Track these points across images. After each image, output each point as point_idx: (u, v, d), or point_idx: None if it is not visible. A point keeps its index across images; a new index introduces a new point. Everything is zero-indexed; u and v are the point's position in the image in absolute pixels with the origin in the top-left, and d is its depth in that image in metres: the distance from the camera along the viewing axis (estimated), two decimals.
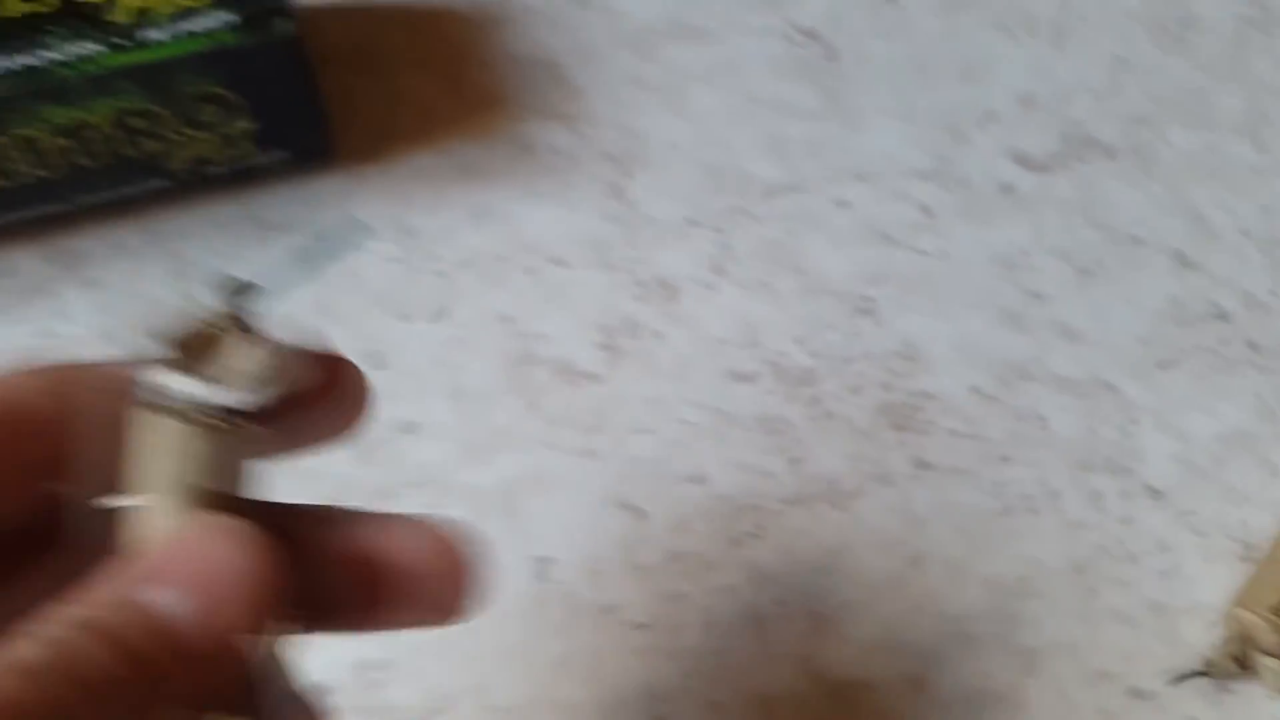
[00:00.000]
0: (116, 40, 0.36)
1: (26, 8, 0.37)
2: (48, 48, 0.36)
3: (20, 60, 0.36)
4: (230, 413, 0.20)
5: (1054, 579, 0.39)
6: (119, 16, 0.37)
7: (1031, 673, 0.37)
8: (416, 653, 0.37)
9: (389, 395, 0.39)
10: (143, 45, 0.36)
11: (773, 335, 0.42)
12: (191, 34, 0.36)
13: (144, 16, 0.37)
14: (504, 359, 0.41)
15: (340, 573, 0.23)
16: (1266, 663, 0.36)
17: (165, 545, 0.21)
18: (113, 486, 0.22)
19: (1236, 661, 0.36)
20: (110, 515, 0.22)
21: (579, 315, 0.42)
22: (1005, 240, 0.44)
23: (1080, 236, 0.44)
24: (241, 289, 0.21)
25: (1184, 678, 0.37)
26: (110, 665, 0.19)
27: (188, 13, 0.37)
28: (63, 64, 0.36)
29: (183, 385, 0.20)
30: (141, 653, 0.19)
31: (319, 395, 0.23)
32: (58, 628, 0.19)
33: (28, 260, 0.42)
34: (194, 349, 0.21)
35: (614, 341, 0.42)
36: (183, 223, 0.43)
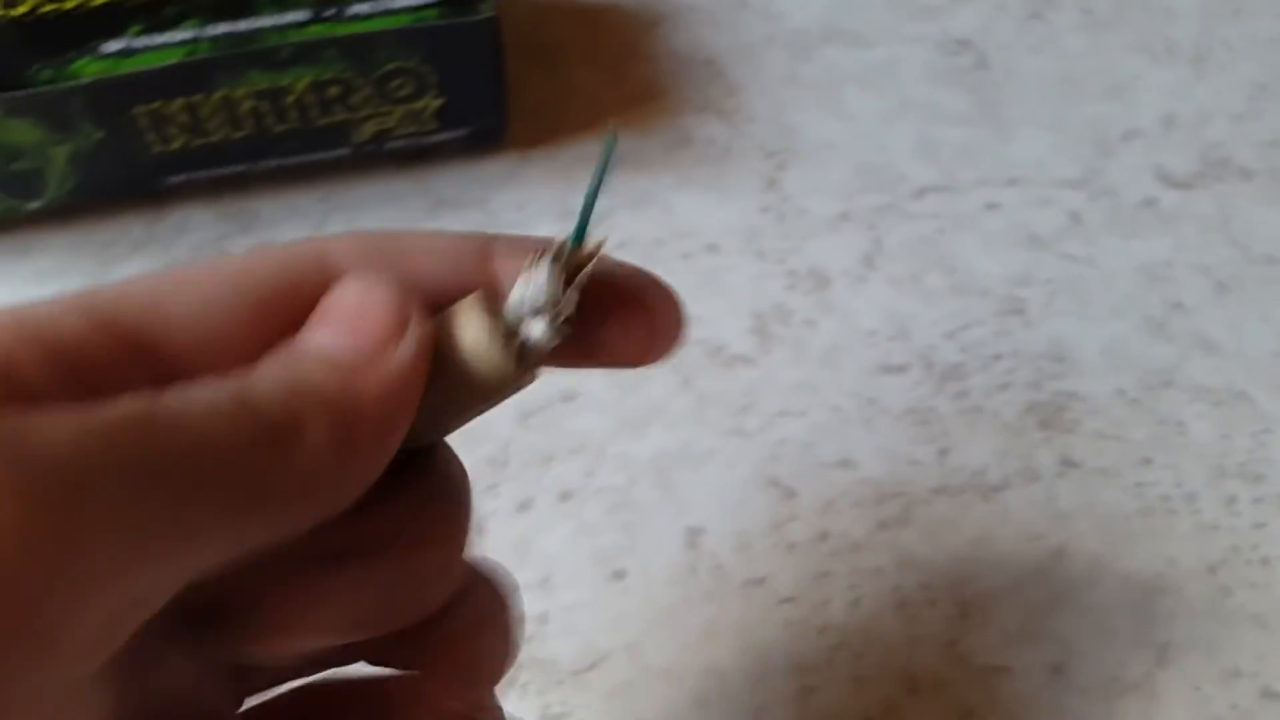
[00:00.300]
0: (324, 11, 0.38)
1: None
2: (258, 14, 0.38)
3: (231, 25, 0.38)
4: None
5: (1189, 578, 0.40)
6: None
7: (1165, 666, 0.38)
8: (573, 610, 0.38)
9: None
10: (349, 18, 0.38)
11: (922, 329, 0.43)
12: (395, 10, 0.38)
13: None
14: None
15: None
16: None
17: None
18: None
19: None
20: None
21: (732, 300, 0.43)
22: (1148, 251, 0.45)
23: (1219, 253, 0.45)
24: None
25: None
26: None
27: None
28: (271, 30, 0.38)
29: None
30: (314, 382, 0.19)
31: (623, 319, 0.23)
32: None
33: (203, 218, 0.44)
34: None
35: (765, 327, 0.43)
36: (358, 192, 0.45)
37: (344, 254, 0.21)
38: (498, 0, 0.39)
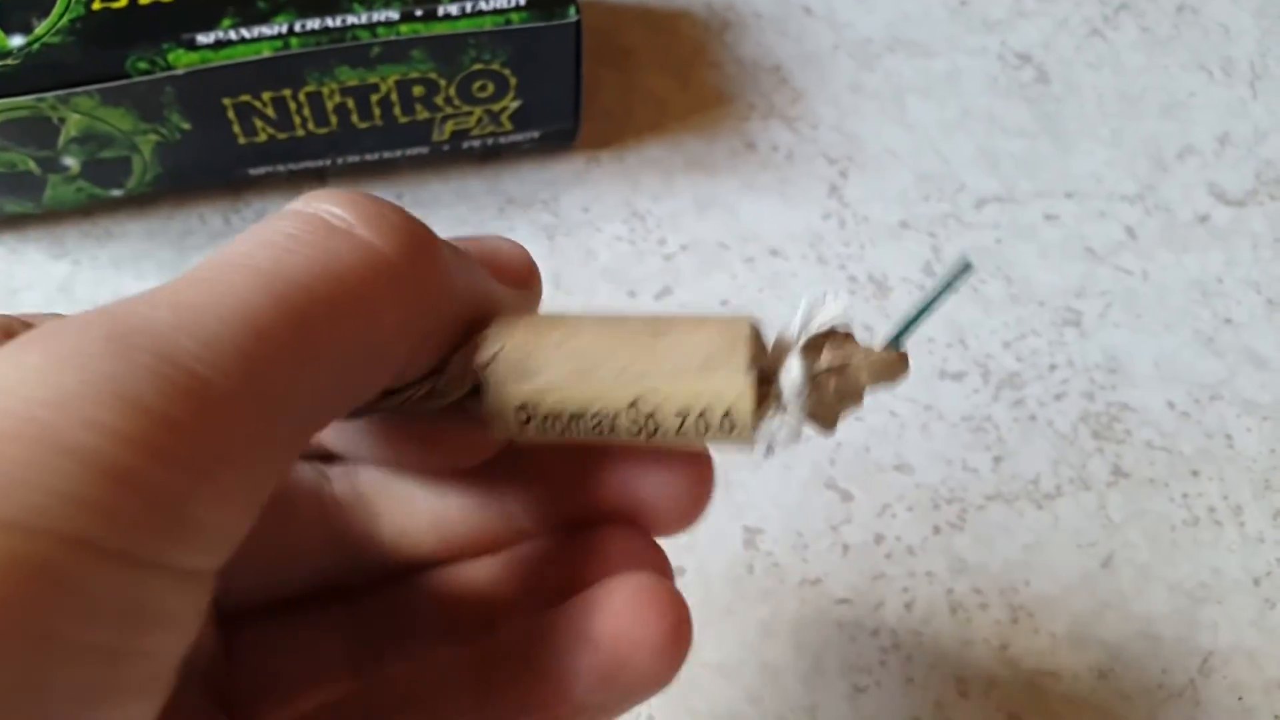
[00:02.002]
0: (415, 10, 0.39)
1: None
2: (349, 11, 0.39)
3: (322, 21, 0.39)
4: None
5: (1233, 589, 0.41)
6: None
7: (1208, 675, 0.39)
8: None
9: None
10: (439, 17, 0.39)
11: (980, 338, 0.44)
12: (484, 11, 0.39)
13: None
14: None
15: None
16: None
17: None
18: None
19: None
20: None
21: (793, 304, 0.44)
22: (1201, 267, 0.46)
23: (1270, 270, 0.46)
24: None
25: None
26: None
27: None
28: (362, 27, 0.39)
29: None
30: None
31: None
32: None
33: (280, 210, 0.45)
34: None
35: None
36: (431, 190, 0.46)
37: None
38: (579, 5, 0.40)
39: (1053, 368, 0.44)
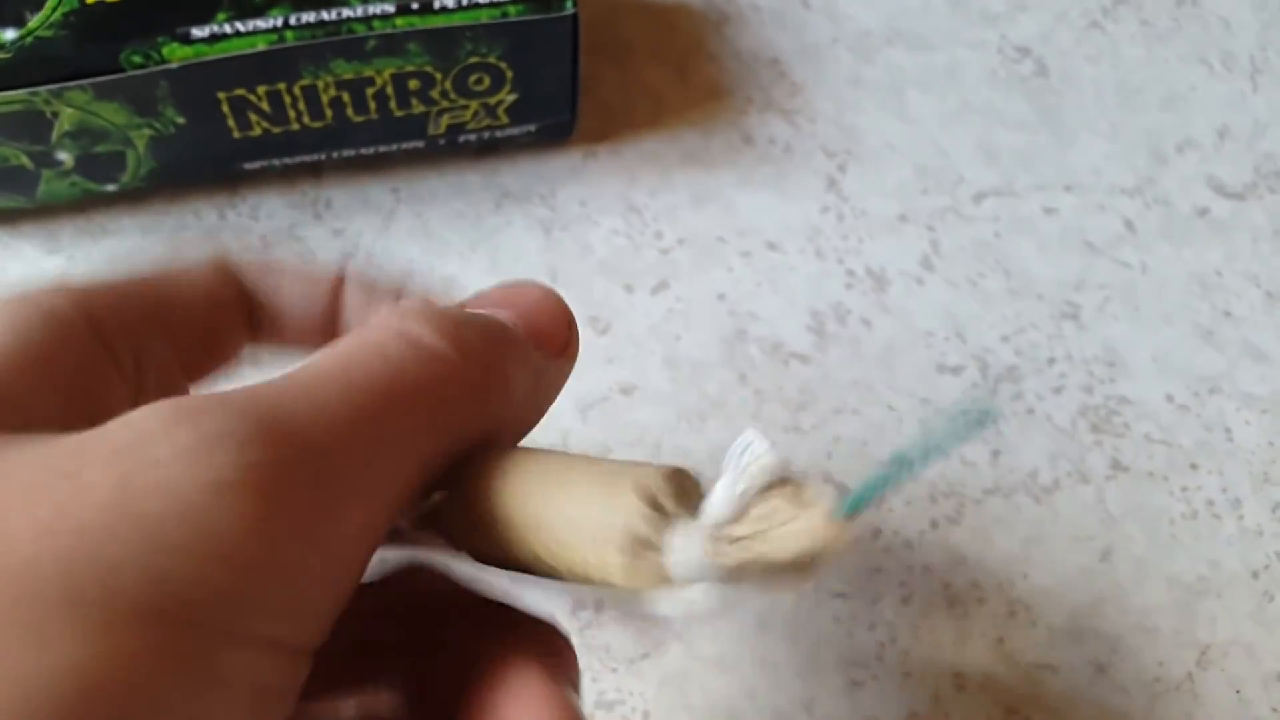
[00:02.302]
0: (411, 3, 0.39)
1: None
2: (345, 4, 0.39)
3: (318, 14, 0.39)
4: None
5: (1232, 582, 0.40)
6: None
7: (1206, 668, 0.39)
8: None
9: (610, 358, 0.42)
10: (435, 10, 0.39)
11: (978, 331, 0.44)
12: (478, 4, 0.39)
13: None
14: (718, 333, 0.44)
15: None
16: None
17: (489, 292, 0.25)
18: None
19: None
20: None
21: (790, 298, 0.44)
22: (1200, 260, 0.46)
23: (1270, 263, 0.46)
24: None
25: None
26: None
27: None
28: (358, 20, 0.38)
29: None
30: (496, 330, 0.23)
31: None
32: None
33: (275, 205, 0.45)
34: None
35: (823, 325, 0.44)
36: (428, 184, 0.45)
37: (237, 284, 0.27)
38: None
39: (1051, 361, 0.43)
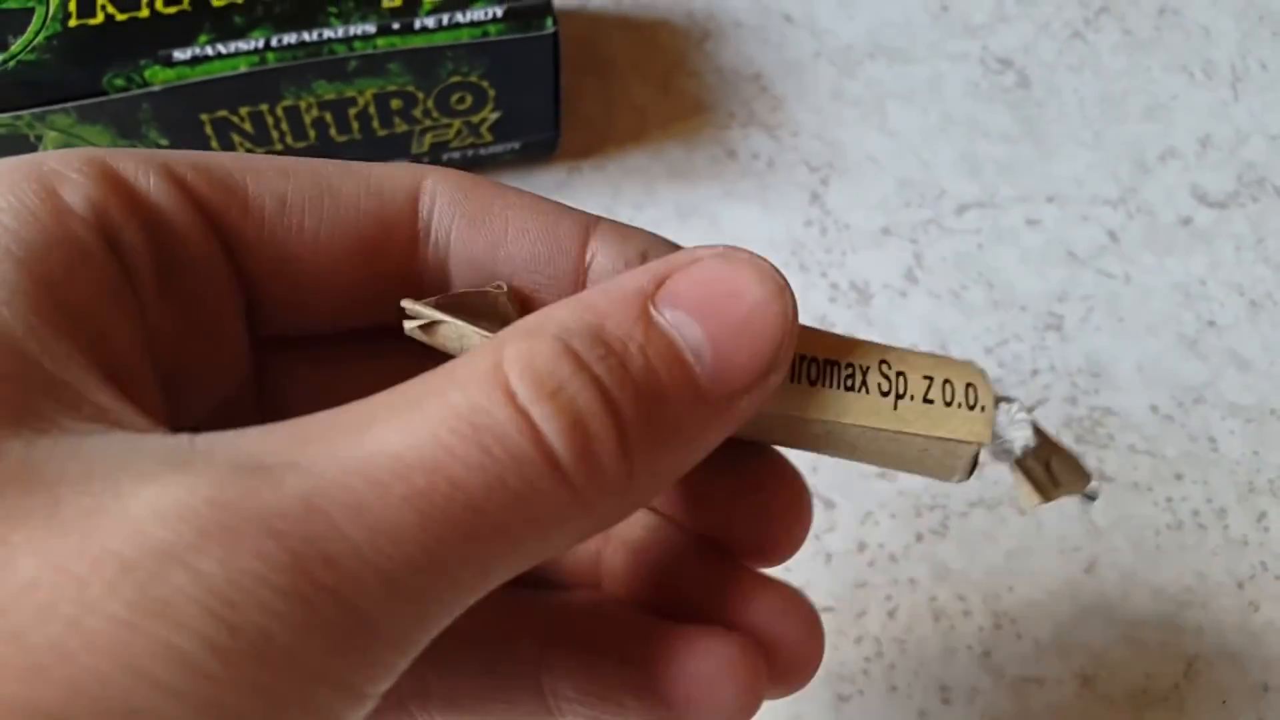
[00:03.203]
0: (392, 24, 0.39)
1: None
2: (327, 26, 0.39)
3: (299, 35, 0.39)
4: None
5: (1218, 592, 0.41)
6: (394, 1, 0.39)
7: (1193, 679, 0.39)
8: None
9: None
10: (415, 31, 0.39)
11: (962, 343, 0.44)
12: (459, 24, 0.39)
13: (415, 3, 0.39)
14: None
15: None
16: None
17: (681, 263, 0.19)
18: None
19: None
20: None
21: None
22: (1183, 269, 0.46)
23: (1253, 271, 0.46)
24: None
25: None
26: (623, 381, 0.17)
27: (457, 3, 0.39)
28: (339, 41, 0.39)
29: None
30: (656, 382, 0.18)
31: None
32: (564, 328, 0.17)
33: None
34: None
35: None
36: None
37: (440, 200, 0.21)
38: (557, 17, 0.40)
39: (1035, 372, 0.44)
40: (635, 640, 0.22)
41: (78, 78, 0.38)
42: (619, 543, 0.24)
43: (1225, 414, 0.43)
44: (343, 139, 0.42)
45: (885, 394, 0.20)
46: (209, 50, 0.38)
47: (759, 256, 0.19)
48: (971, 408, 0.21)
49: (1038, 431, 0.21)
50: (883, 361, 0.21)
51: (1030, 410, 0.21)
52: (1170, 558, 0.41)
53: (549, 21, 0.39)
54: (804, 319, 0.40)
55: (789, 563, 0.40)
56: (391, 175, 0.21)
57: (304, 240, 0.20)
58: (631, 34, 0.49)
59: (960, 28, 0.51)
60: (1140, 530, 0.41)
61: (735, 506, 0.23)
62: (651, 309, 0.18)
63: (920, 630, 0.40)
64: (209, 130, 0.40)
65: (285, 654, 0.14)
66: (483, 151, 0.44)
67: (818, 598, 0.39)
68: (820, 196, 0.47)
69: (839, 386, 0.20)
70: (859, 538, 0.41)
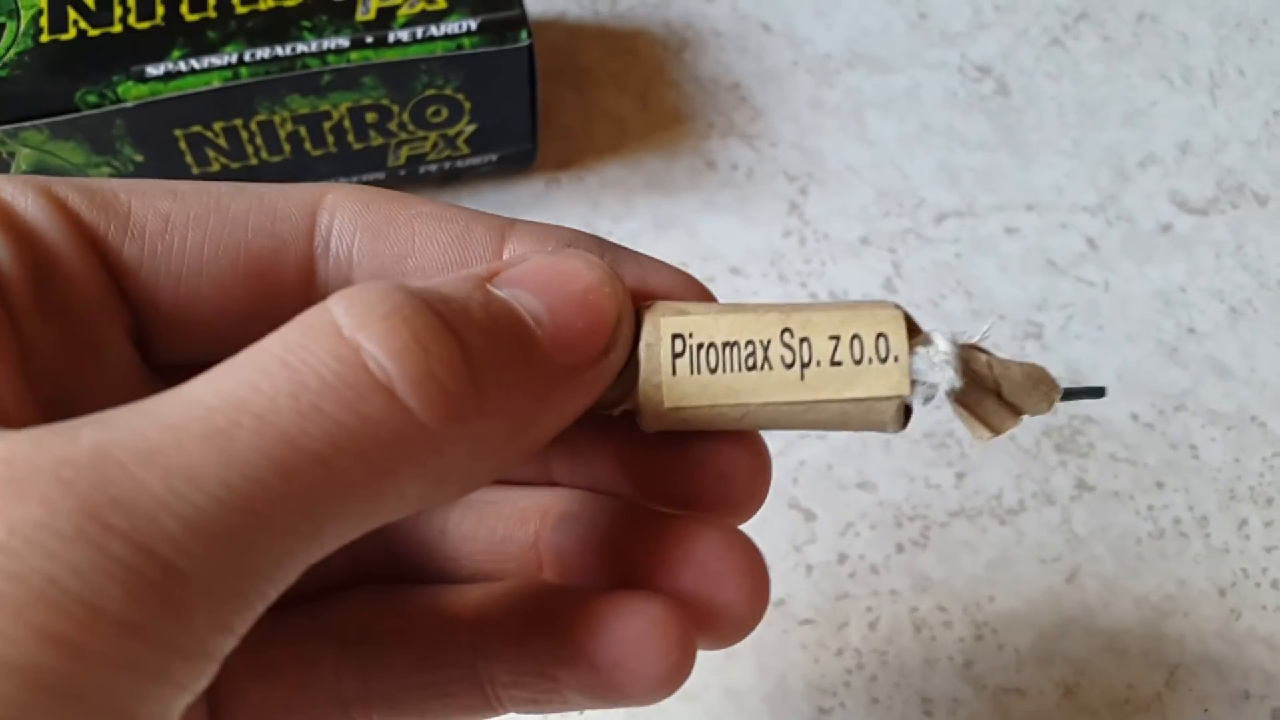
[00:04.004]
0: (365, 37, 0.39)
1: (273, 2, 0.39)
2: (300, 40, 0.39)
3: (272, 50, 0.38)
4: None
5: (1199, 600, 0.40)
6: (368, 15, 0.39)
7: (1175, 688, 0.39)
8: None
9: None
10: (389, 44, 0.39)
11: None
12: (433, 37, 0.39)
13: (389, 17, 0.39)
14: None
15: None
16: None
17: (516, 259, 0.20)
18: None
19: None
20: None
21: None
22: (1163, 276, 0.46)
23: (1232, 278, 0.46)
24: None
25: None
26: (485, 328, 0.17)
27: (431, 15, 0.39)
28: (312, 55, 0.38)
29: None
30: (507, 338, 0.18)
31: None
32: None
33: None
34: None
35: None
36: None
37: (340, 214, 0.21)
38: (532, 29, 0.40)
39: None
40: (565, 614, 0.22)
41: (50, 94, 0.38)
42: (554, 523, 0.24)
43: (1206, 421, 0.43)
44: (318, 152, 0.41)
45: (790, 366, 0.20)
46: (182, 65, 0.38)
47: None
48: (885, 360, 0.20)
49: (968, 370, 0.20)
50: (785, 330, 0.20)
51: (959, 343, 0.20)
52: (1151, 566, 0.41)
53: (524, 34, 0.39)
54: None
55: (770, 575, 0.40)
56: (287, 193, 0.21)
57: (187, 258, 0.20)
58: (610, 44, 0.49)
59: (938, 36, 0.51)
60: (1121, 539, 0.41)
61: (690, 475, 0.23)
62: (489, 286, 0.18)
63: (901, 642, 0.39)
64: (183, 145, 0.40)
65: (78, 601, 0.13)
66: (460, 164, 0.44)
67: (799, 610, 0.39)
68: (799, 206, 0.46)
69: (741, 369, 0.20)
70: (839, 549, 0.41)
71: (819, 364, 0.20)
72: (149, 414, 0.15)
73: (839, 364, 0.20)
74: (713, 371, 0.20)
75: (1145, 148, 0.49)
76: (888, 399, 0.20)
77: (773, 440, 0.42)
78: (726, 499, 0.23)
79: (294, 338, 0.16)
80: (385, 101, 0.40)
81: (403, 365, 0.16)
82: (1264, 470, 0.43)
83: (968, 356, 0.20)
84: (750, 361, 0.20)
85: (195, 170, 0.41)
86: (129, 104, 0.38)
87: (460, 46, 0.39)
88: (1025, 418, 0.21)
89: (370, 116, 0.40)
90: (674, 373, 0.20)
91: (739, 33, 0.50)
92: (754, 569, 0.22)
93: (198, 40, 0.39)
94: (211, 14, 0.39)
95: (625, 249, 0.22)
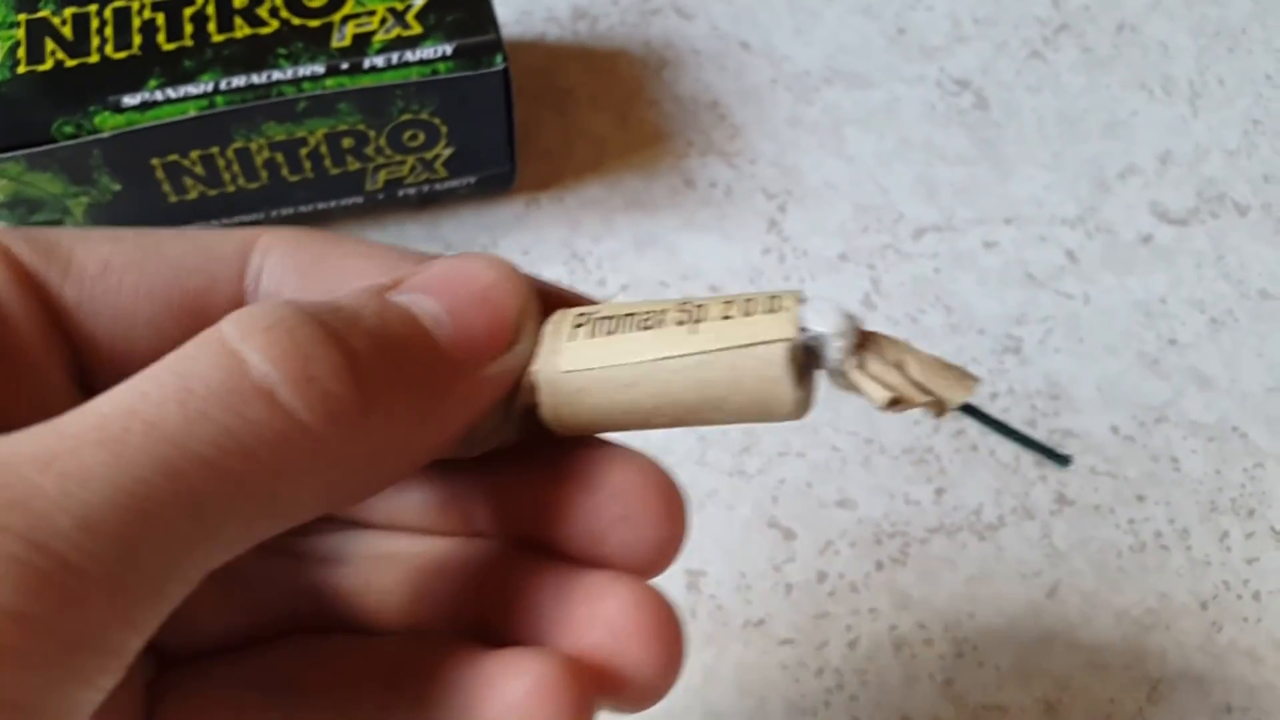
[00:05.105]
0: (340, 64, 0.39)
1: (250, 30, 0.40)
2: (276, 68, 0.39)
3: (248, 78, 0.39)
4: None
5: (1181, 614, 0.40)
6: (343, 42, 0.39)
7: (1157, 702, 0.39)
8: None
9: None
10: (364, 70, 0.39)
11: None
12: (408, 62, 0.39)
13: (364, 43, 0.39)
14: None
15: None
16: None
17: (419, 269, 0.20)
18: None
19: None
20: None
21: None
22: (1144, 288, 0.46)
23: (1213, 289, 0.46)
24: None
25: None
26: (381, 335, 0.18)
27: (406, 41, 0.39)
28: (288, 83, 0.39)
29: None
30: (401, 341, 0.19)
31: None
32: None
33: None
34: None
35: None
36: (369, 238, 0.45)
37: (272, 254, 0.22)
38: (507, 53, 0.40)
39: (994, 396, 0.44)
40: (460, 672, 0.21)
41: (27, 125, 0.38)
42: (470, 574, 0.24)
43: (1187, 433, 0.43)
44: (295, 178, 0.42)
45: (681, 324, 0.20)
46: (158, 95, 0.38)
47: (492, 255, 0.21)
48: (774, 312, 0.20)
49: (865, 338, 0.20)
50: (684, 302, 0.21)
51: (852, 316, 0.20)
52: (1133, 580, 0.41)
53: (499, 58, 0.39)
54: None
55: (750, 595, 0.40)
56: (225, 236, 0.22)
57: (124, 297, 0.21)
58: (589, 64, 0.49)
59: (917, 50, 0.51)
60: (1102, 553, 0.41)
61: (596, 512, 0.22)
62: (387, 295, 0.19)
63: (881, 660, 0.39)
64: (160, 174, 0.40)
65: None
66: (438, 187, 0.44)
67: (778, 629, 0.39)
68: (778, 224, 0.47)
69: (635, 329, 0.21)
70: (819, 568, 0.41)
71: (710, 321, 0.20)
72: (51, 427, 0.16)
73: (729, 318, 0.20)
74: (610, 335, 0.21)
75: (1125, 159, 0.49)
76: (773, 342, 0.20)
77: (752, 459, 0.42)
78: (631, 544, 0.23)
79: (186, 351, 0.17)
80: (361, 127, 0.40)
81: (284, 370, 0.17)
82: (1245, 481, 0.43)
83: (868, 333, 0.20)
84: (646, 323, 0.21)
85: (173, 199, 0.41)
86: (106, 134, 0.38)
87: (435, 71, 0.39)
88: (950, 410, 0.21)
89: (347, 142, 0.41)
90: (573, 340, 0.21)
91: (718, 51, 0.50)
92: (666, 628, 0.22)
93: (174, 69, 0.39)
94: (188, 43, 0.39)
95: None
